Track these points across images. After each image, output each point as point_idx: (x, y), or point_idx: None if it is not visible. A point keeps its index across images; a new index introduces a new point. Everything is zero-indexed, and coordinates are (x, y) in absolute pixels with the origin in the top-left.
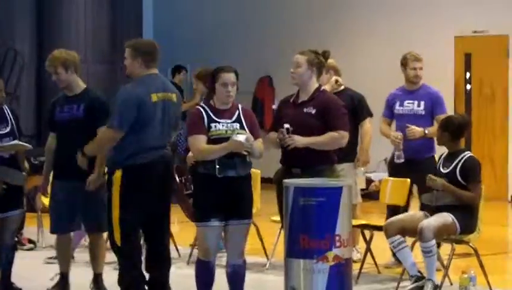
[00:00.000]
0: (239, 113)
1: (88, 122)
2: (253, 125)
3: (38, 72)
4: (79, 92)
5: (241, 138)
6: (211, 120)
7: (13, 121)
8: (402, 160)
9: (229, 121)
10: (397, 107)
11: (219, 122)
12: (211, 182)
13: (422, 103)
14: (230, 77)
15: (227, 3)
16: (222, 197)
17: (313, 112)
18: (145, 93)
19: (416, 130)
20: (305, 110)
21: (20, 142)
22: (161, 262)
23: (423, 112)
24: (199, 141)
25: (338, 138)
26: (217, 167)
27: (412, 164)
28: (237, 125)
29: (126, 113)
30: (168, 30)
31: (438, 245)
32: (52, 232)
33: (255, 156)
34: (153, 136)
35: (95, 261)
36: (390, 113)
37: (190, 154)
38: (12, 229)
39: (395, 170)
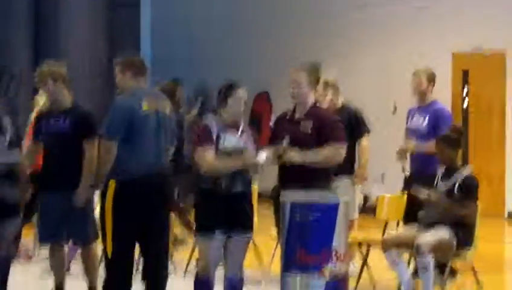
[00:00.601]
0: (243, 129)
1: (74, 135)
2: (255, 140)
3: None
4: (66, 106)
5: (262, 158)
6: (219, 134)
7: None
8: (407, 173)
9: (235, 135)
10: (409, 122)
11: (226, 138)
12: (215, 197)
13: (427, 118)
14: (244, 93)
15: (224, 20)
16: (225, 212)
17: (309, 128)
18: (135, 102)
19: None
20: (301, 127)
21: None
22: (157, 275)
23: (426, 129)
24: (209, 154)
25: (334, 154)
26: (224, 182)
27: (421, 179)
28: (242, 141)
29: (116, 121)
30: (165, 46)
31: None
32: (41, 240)
33: (260, 171)
34: (148, 150)
35: (88, 274)
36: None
37: None
38: (9, 239)
39: (406, 184)
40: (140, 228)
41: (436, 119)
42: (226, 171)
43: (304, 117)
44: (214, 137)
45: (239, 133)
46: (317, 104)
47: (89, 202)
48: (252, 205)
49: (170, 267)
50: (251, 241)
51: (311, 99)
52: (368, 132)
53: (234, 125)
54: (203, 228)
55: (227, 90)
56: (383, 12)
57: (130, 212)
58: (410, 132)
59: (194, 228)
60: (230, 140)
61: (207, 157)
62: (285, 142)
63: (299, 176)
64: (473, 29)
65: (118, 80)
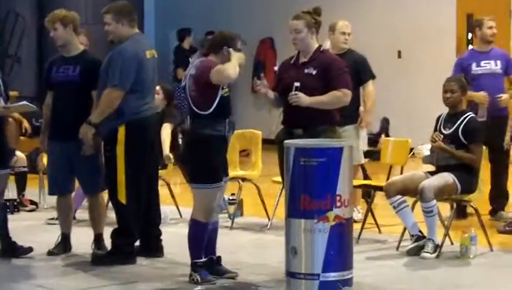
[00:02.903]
0: None
1: (83, 84)
2: None
3: (40, 34)
4: (76, 54)
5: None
6: None
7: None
8: (484, 118)
9: None
10: (474, 68)
11: None
12: (220, 142)
13: (498, 62)
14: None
15: None
16: (225, 157)
17: (314, 72)
18: (141, 51)
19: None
20: (306, 70)
21: (27, 103)
22: (154, 217)
23: (501, 71)
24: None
25: (341, 96)
26: (227, 127)
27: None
28: None
29: (128, 71)
30: (173, 6)
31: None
32: (50, 193)
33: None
34: (149, 93)
35: (95, 221)
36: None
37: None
38: (1, 189)
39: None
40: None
41: (507, 63)
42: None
43: (308, 62)
44: None
45: None
46: (322, 48)
47: (98, 151)
48: None
49: (175, 215)
50: (255, 186)
51: (314, 44)
52: (373, 77)
53: None
54: (213, 177)
55: (228, 39)
56: None
57: (140, 154)
58: (478, 78)
59: (200, 178)
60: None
61: (227, 70)
62: (296, 85)
63: (303, 118)
64: None
65: (112, 28)
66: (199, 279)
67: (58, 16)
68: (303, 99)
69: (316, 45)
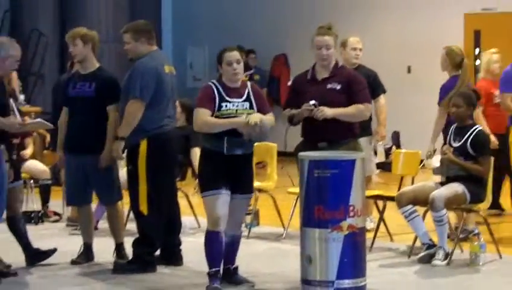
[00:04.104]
0: (249, 92)
1: (98, 100)
2: (262, 103)
3: (61, 52)
4: (92, 71)
5: (255, 119)
6: (222, 99)
7: None
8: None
9: (239, 100)
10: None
11: (230, 102)
12: (218, 158)
13: None
14: (234, 55)
15: None
16: (227, 172)
17: (338, 87)
18: (160, 65)
19: None
20: (328, 86)
21: (43, 121)
22: (174, 227)
23: None
24: (205, 114)
25: (364, 110)
26: (226, 145)
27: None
28: (247, 104)
29: (147, 84)
30: (185, 10)
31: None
32: (68, 205)
33: (266, 134)
34: (167, 108)
35: (114, 231)
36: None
37: None
38: (20, 199)
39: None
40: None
41: None
42: (218, 130)
43: (330, 77)
44: (217, 101)
45: (244, 97)
46: (339, 64)
47: (114, 163)
48: (252, 167)
49: (194, 224)
50: (270, 197)
51: (334, 59)
52: (384, 91)
53: (238, 89)
54: (209, 185)
55: (218, 57)
56: None
57: (162, 168)
58: None
59: (200, 187)
60: (230, 106)
61: (202, 117)
62: (313, 102)
63: (328, 131)
64: None
65: (131, 47)
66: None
67: (79, 32)
68: (326, 112)
69: (335, 61)
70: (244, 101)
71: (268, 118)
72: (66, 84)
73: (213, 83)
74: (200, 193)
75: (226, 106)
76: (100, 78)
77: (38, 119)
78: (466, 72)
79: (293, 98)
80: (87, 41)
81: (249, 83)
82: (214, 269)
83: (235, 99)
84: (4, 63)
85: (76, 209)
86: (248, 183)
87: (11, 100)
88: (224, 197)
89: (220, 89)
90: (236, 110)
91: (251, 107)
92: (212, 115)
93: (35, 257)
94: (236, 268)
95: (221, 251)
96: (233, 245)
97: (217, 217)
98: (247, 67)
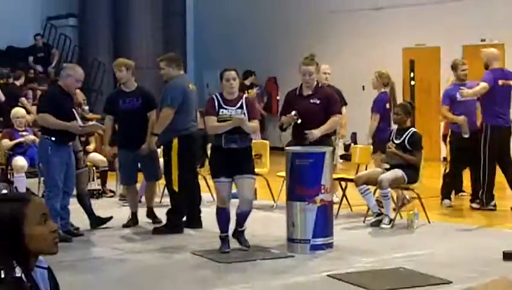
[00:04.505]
0: (242, 102)
1: (143, 109)
2: (252, 112)
3: (113, 75)
4: (134, 89)
5: (240, 117)
6: (220, 107)
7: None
8: (468, 135)
9: (234, 108)
10: (459, 97)
11: (226, 109)
12: (219, 151)
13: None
14: (231, 74)
15: (246, 24)
16: (227, 162)
17: (318, 102)
18: (185, 84)
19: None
20: (311, 101)
21: (97, 124)
22: (196, 200)
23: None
24: (212, 120)
25: (337, 120)
26: (223, 141)
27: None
28: (239, 110)
29: (175, 96)
30: (203, 43)
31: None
32: (121, 184)
33: (248, 131)
34: (192, 115)
35: (148, 199)
36: (450, 102)
37: None
38: (86, 181)
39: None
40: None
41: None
42: (222, 131)
43: (313, 94)
44: (216, 108)
45: (238, 105)
46: (319, 84)
47: (155, 155)
48: (250, 156)
49: (210, 199)
50: (264, 179)
51: (315, 80)
52: (346, 103)
53: (234, 100)
54: (213, 174)
55: (220, 75)
56: (352, 17)
57: (189, 159)
58: (459, 103)
59: (210, 174)
60: (226, 112)
61: (210, 123)
62: (294, 112)
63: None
64: (417, 30)
65: (165, 72)
66: (220, 247)
67: (123, 62)
68: (315, 134)
69: (316, 82)
70: (238, 108)
71: (252, 124)
72: (115, 99)
73: (215, 95)
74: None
75: (223, 112)
76: (143, 94)
77: (94, 123)
78: (393, 89)
79: (286, 108)
80: (129, 68)
81: (244, 96)
82: (223, 234)
83: (230, 107)
84: (66, 81)
85: (126, 188)
86: (246, 167)
87: (75, 109)
88: (225, 183)
89: (220, 99)
90: (230, 115)
91: (242, 113)
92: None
93: (98, 222)
94: (243, 231)
95: (227, 220)
96: (242, 216)
97: (222, 197)
98: (253, 86)
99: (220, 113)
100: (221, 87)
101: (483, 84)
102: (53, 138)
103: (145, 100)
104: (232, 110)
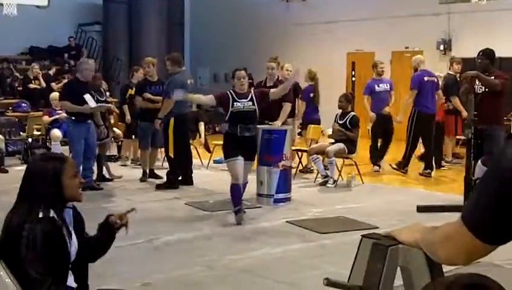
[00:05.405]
0: (252, 95)
1: (163, 94)
2: (261, 99)
3: (128, 69)
4: (156, 79)
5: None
6: (234, 100)
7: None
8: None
9: (245, 100)
10: (377, 88)
11: (239, 102)
12: (235, 138)
13: (388, 85)
14: (241, 73)
15: (231, 29)
16: (240, 146)
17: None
18: (184, 78)
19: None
20: (271, 90)
21: (104, 104)
22: (189, 164)
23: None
24: (207, 98)
25: (288, 107)
26: (239, 130)
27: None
28: (250, 103)
29: (175, 88)
30: (197, 46)
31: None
32: (139, 148)
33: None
34: (187, 101)
35: (152, 162)
36: (369, 92)
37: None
38: (105, 150)
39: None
40: (188, 138)
41: (390, 86)
42: (197, 102)
43: (273, 86)
44: (231, 102)
45: (248, 98)
46: (280, 78)
47: (158, 130)
48: (256, 143)
49: (199, 163)
50: (252, 164)
51: (276, 76)
52: (298, 95)
53: (245, 94)
54: (231, 156)
55: (232, 74)
56: (309, 28)
57: (183, 131)
58: (378, 94)
59: (224, 157)
60: (239, 105)
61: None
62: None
63: (268, 117)
64: (358, 38)
65: (169, 68)
66: (236, 217)
67: (151, 60)
68: (277, 125)
69: (277, 76)
70: (249, 101)
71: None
72: (144, 87)
73: (229, 91)
74: (224, 160)
75: (237, 104)
76: (163, 83)
77: (101, 104)
78: (317, 83)
79: None
80: (154, 65)
81: (252, 90)
82: (237, 207)
83: (242, 100)
84: (83, 72)
85: (140, 152)
86: (252, 155)
87: (90, 94)
88: (240, 161)
89: (233, 94)
90: (243, 106)
91: (253, 104)
92: (227, 112)
93: (99, 179)
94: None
95: (241, 195)
96: (244, 186)
97: (236, 174)
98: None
99: (234, 105)
100: (233, 84)
101: (411, 93)
102: (73, 117)
103: (164, 87)
104: (244, 102)
